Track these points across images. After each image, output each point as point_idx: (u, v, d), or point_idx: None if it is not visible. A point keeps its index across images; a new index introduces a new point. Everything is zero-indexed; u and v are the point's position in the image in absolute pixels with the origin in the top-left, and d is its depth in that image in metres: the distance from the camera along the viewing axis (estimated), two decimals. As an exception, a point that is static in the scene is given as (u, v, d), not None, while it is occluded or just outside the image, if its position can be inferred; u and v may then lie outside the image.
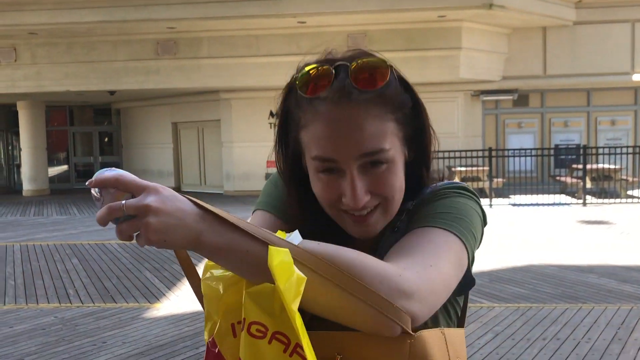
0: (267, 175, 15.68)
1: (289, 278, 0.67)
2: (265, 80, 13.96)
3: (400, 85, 0.88)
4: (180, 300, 5.79)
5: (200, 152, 17.30)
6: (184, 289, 6.23)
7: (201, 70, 14.06)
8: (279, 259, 0.67)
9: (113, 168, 0.71)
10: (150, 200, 0.67)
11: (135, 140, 18.89)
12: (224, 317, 0.78)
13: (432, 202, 0.91)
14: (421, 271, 0.77)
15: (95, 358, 4.27)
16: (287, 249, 0.69)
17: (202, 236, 0.69)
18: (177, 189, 17.63)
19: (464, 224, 0.88)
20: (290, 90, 0.93)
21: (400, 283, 0.73)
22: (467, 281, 0.90)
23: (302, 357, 0.70)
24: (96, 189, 0.69)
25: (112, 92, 15.61)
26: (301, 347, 0.68)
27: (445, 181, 0.97)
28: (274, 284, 0.67)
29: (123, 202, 0.66)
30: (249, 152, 15.53)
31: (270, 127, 15.65)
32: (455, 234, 0.85)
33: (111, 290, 6.23)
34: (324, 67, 0.86)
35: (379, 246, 0.92)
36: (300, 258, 0.70)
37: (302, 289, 0.67)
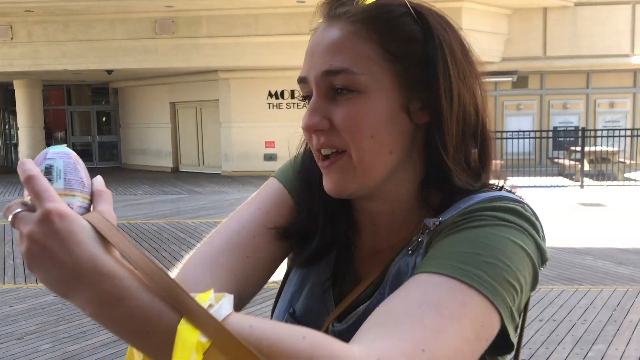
0: (266, 156, 15.68)
1: None
2: (264, 60, 13.88)
3: (412, 19, 0.72)
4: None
5: (198, 132, 17.27)
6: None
7: (200, 49, 13.97)
8: (185, 340, 0.50)
9: (60, 149, 0.60)
10: (31, 228, 0.52)
11: (133, 119, 18.84)
12: None
13: (457, 228, 0.67)
14: None
15: (95, 337, 4.31)
16: (197, 332, 0.50)
17: (93, 298, 0.52)
18: (176, 169, 17.65)
19: (495, 271, 0.62)
20: None
21: None
22: (501, 348, 0.65)
23: None
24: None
25: (109, 71, 15.51)
26: None
27: (491, 193, 0.73)
28: None
29: (15, 211, 0.54)
30: (247, 132, 15.50)
31: (269, 108, 15.61)
32: (476, 289, 0.60)
33: (110, 270, 6.25)
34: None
35: (389, 268, 0.74)
36: (220, 343, 0.50)
37: None
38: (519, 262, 0.64)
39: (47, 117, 19.23)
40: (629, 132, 14.08)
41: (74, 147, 20.38)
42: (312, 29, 0.78)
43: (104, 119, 21.15)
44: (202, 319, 0.51)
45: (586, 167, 12.67)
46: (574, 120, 15.78)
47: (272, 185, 0.87)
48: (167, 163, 17.74)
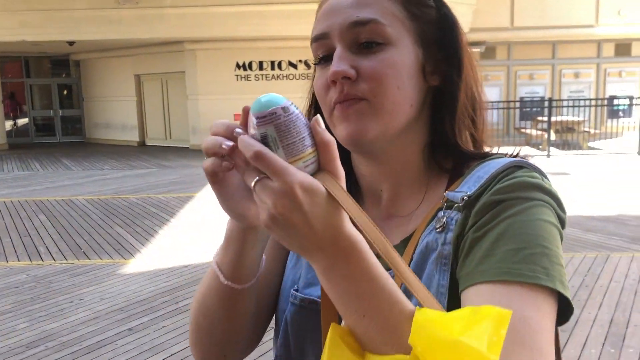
0: (235, 129, 15.51)
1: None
2: (232, 31, 13.62)
3: None
4: (155, 255, 5.76)
5: (164, 105, 16.94)
6: (158, 244, 6.19)
7: (164, 20, 13.61)
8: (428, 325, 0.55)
9: (269, 108, 0.57)
10: (274, 201, 0.55)
11: (97, 93, 18.35)
12: None
13: (494, 222, 0.68)
14: None
15: (73, 315, 4.24)
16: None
17: (327, 268, 0.59)
18: (142, 143, 17.33)
19: (545, 260, 0.64)
20: None
21: None
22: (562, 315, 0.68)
23: None
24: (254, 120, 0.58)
25: (71, 43, 15.02)
26: None
27: (506, 160, 0.74)
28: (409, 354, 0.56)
29: (256, 178, 0.57)
30: (215, 104, 15.27)
31: (237, 80, 15.39)
32: (539, 285, 0.62)
33: (83, 247, 6.14)
34: None
35: (417, 244, 0.74)
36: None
37: None
38: (554, 239, 0.66)
39: (5, 91, 18.54)
40: (592, 102, 14.39)
41: (34, 122, 19.81)
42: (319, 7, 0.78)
43: (65, 92, 20.52)
44: (423, 297, 0.59)
45: (552, 136, 12.92)
46: (540, 90, 16.03)
47: None
48: (133, 137, 17.40)
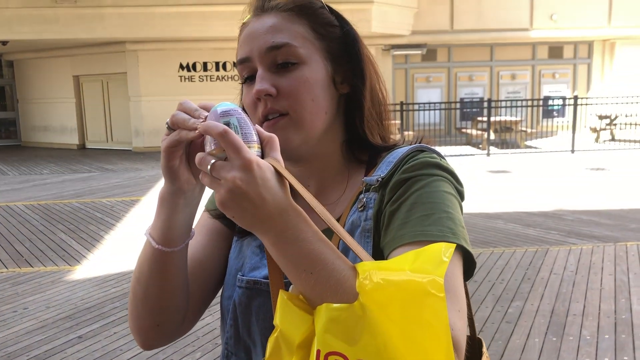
0: (179, 131, 15.26)
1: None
2: (175, 31, 13.42)
3: (328, 10, 0.90)
4: (102, 261, 5.62)
5: (105, 107, 16.48)
6: (105, 249, 6.05)
7: (104, 19, 13.26)
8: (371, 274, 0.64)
9: (228, 106, 0.70)
10: (234, 175, 0.65)
11: (33, 94, 17.65)
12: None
13: (405, 196, 0.81)
14: (460, 321, 0.69)
15: (17, 324, 4.10)
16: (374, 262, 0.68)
17: (278, 234, 0.68)
18: (82, 146, 16.82)
19: (450, 221, 0.77)
20: None
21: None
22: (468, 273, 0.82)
23: None
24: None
25: (4, 43, 14.41)
26: None
27: (410, 146, 0.89)
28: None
29: (212, 161, 0.67)
30: (158, 106, 14.99)
31: (181, 80, 15.16)
32: (449, 242, 0.74)
33: (25, 254, 5.93)
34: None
35: (345, 224, 0.86)
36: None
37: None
38: (455, 207, 0.81)
39: None
40: (529, 103, 14.98)
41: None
42: (243, 23, 0.90)
43: (-3, 93, 19.63)
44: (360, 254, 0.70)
45: (492, 136, 13.36)
46: (479, 91, 16.54)
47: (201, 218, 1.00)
48: (73, 140, 16.86)
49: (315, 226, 0.69)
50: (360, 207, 0.84)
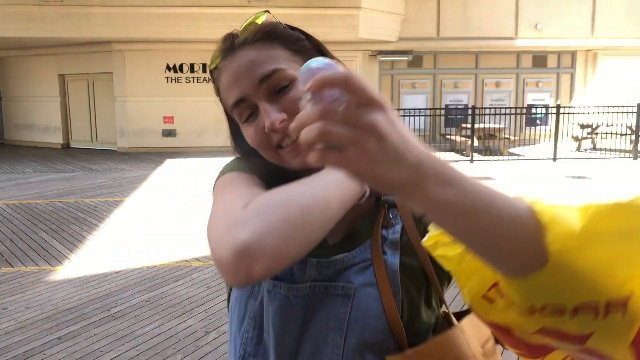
0: (164, 132, 15.23)
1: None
2: (162, 32, 13.40)
3: (289, 27, 0.93)
4: (84, 262, 5.61)
5: (90, 107, 16.39)
6: (87, 250, 6.03)
7: (91, 19, 13.20)
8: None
9: (321, 60, 0.59)
10: (378, 118, 0.51)
11: (17, 92, 17.50)
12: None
13: None
14: None
15: (-3, 325, 4.09)
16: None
17: (426, 183, 0.53)
18: (66, 145, 16.71)
19: None
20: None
21: None
22: None
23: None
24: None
25: (-12, 40, 14.28)
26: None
27: None
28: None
29: (340, 108, 0.51)
30: (144, 107, 14.94)
31: (168, 82, 15.13)
32: None
33: (5, 254, 5.89)
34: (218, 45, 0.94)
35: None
36: None
37: None
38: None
39: None
40: (512, 111, 15.16)
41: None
42: (213, 68, 0.93)
43: (-19, 91, 19.42)
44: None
45: (475, 143, 13.50)
46: (463, 98, 16.70)
47: (240, 176, 0.90)
48: (57, 139, 16.74)
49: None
50: (387, 224, 0.91)
